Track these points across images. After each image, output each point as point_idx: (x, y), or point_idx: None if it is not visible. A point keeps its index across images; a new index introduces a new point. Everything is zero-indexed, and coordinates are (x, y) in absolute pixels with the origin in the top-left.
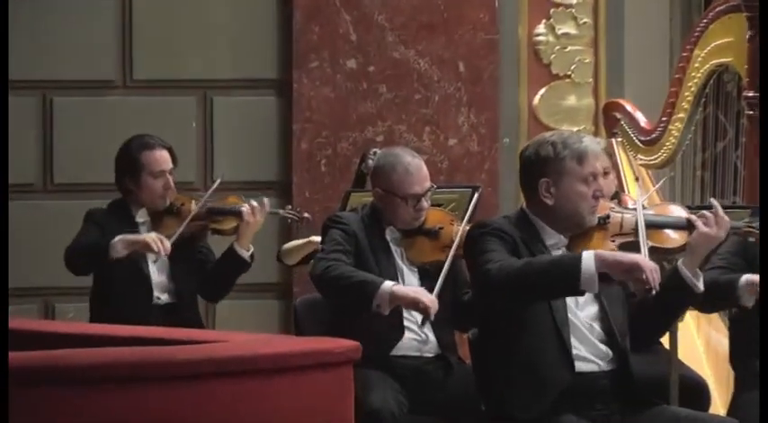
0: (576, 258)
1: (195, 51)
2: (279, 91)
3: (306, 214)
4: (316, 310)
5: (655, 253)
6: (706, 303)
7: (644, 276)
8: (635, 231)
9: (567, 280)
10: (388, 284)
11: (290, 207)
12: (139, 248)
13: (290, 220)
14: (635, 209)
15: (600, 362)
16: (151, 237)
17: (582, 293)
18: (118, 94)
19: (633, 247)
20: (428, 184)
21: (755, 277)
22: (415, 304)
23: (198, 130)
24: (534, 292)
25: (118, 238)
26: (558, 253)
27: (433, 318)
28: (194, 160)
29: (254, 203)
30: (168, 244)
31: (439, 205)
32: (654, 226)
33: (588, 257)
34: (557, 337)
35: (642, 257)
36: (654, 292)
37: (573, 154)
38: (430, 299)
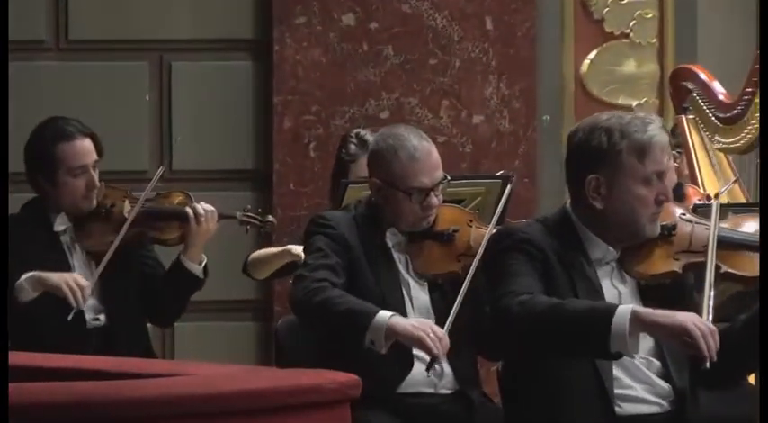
0: (609, 310)
1: (148, 4)
2: (255, 54)
3: (270, 218)
4: (302, 333)
5: (730, 281)
6: None
7: (694, 344)
8: (707, 249)
9: (595, 337)
10: (383, 316)
11: (248, 207)
12: (53, 293)
13: (248, 227)
14: (707, 208)
15: (662, 401)
16: (67, 281)
17: (616, 357)
18: (49, 57)
19: (703, 270)
20: (439, 173)
21: None
22: (419, 344)
23: (152, 105)
24: (558, 346)
25: (24, 277)
26: (605, 269)
27: (443, 360)
28: (148, 143)
29: (205, 207)
30: (89, 291)
31: (460, 201)
32: (732, 246)
33: (623, 313)
34: (594, 376)
35: (692, 317)
36: (707, 364)
37: (633, 146)
38: (437, 337)
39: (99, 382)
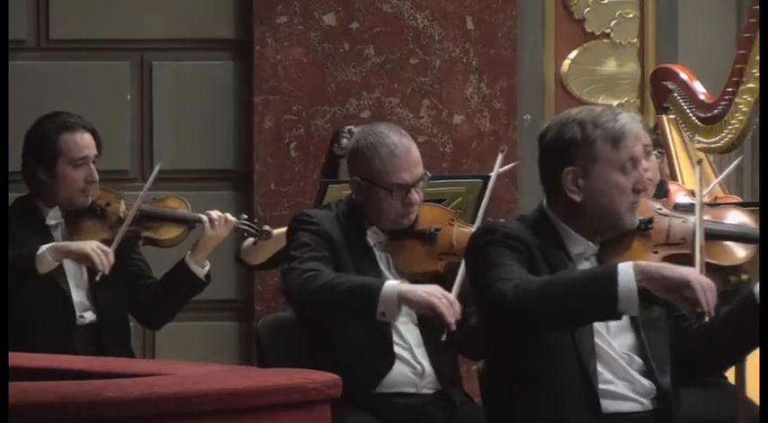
0: (610, 272)
1: (129, 4)
2: (236, 54)
3: (266, 227)
4: (283, 332)
5: (709, 271)
6: None
7: (695, 297)
8: (685, 242)
9: (601, 300)
10: (392, 284)
11: (245, 217)
12: (76, 260)
13: (245, 234)
14: (686, 206)
15: (643, 400)
16: (92, 247)
17: (620, 317)
18: (30, 57)
19: (681, 261)
20: (419, 170)
21: None
22: (432, 310)
23: (133, 104)
24: (560, 319)
25: (45, 247)
26: (585, 265)
27: (454, 327)
28: (129, 143)
29: (218, 213)
30: (112, 256)
31: (441, 200)
32: (711, 236)
33: (626, 270)
34: (580, 372)
35: (694, 272)
36: (707, 318)
37: (607, 135)
38: (449, 303)
39: (79, 382)
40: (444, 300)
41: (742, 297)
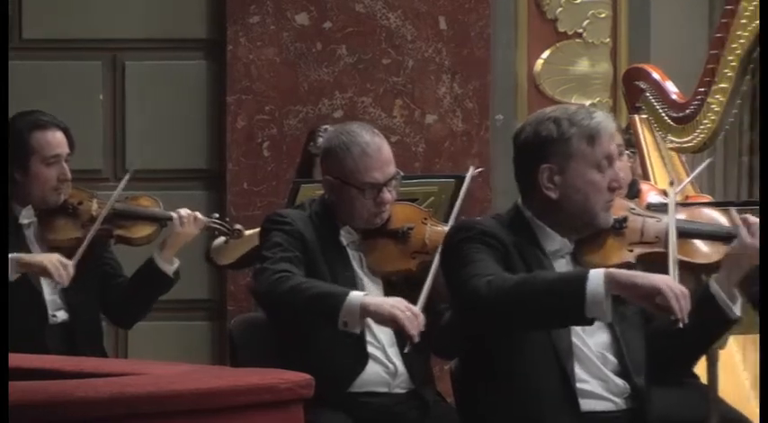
0: (581, 276)
1: (102, 4)
2: (209, 54)
3: (238, 226)
4: (256, 332)
5: (684, 269)
6: None
7: (668, 305)
8: (659, 240)
9: (569, 304)
10: (356, 295)
11: (217, 215)
12: (36, 274)
13: (216, 233)
14: (660, 206)
15: (616, 399)
16: (51, 260)
17: (590, 322)
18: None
19: (655, 260)
20: (392, 169)
21: None
22: (394, 323)
23: (106, 104)
24: (532, 319)
25: (9, 257)
26: (561, 263)
27: (417, 340)
28: (101, 142)
29: (188, 211)
30: (72, 269)
31: (413, 200)
32: (684, 234)
33: (596, 276)
34: (558, 370)
35: (666, 279)
36: (681, 324)
37: (582, 132)
38: (413, 315)
39: (51, 382)
40: (408, 312)
41: (700, 291)
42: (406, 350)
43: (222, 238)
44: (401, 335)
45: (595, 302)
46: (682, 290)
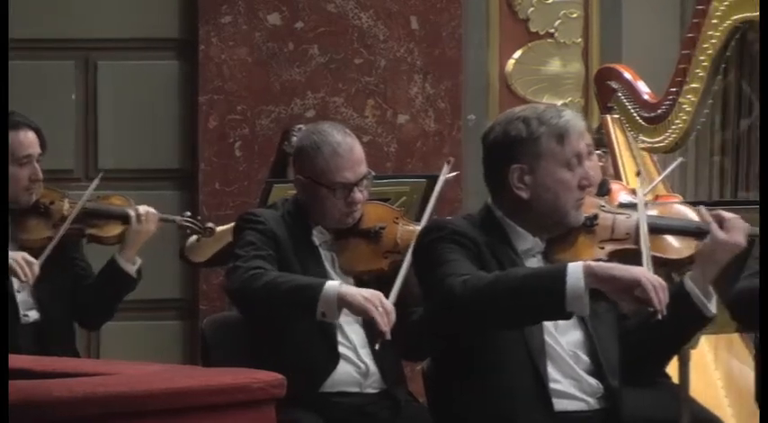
0: (559, 271)
1: (74, 3)
2: (181, 53)
3: (209, 224)
4: (228, 332)
5: (656, 265)
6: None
7: (647, 296)
8: (631, 237)
9: (550, 299)
10: (332, 285)
11: (188, 214)
12: None
13: (188, 231)
14: (630, 205)
15: (589, 399)
16: (16, 258)
17: (569, 317)
18: None
19: (628, 257)
20: (363, 169)
21: None
22: (367, 317)
23: (78, 104)
24: (509, 316)
25: None
26: (532, 262)
27: (389, 336)
28: (73, 143)
29: (145, 208)
30: (37, 268)
31: (385, 200)
32: (655, 230)
33: (575, 270)
34: (531, 369)
35: (644, 271)
36: (660, 316)
37: (552, 131)
38: (386, 311)
39: (23, 382)
40: (381, 308)
41: (674, 288)
42: (377, 347)
43: (195, 237)
44: (372, 330)
45: (576, 297)
46: (660, 281)
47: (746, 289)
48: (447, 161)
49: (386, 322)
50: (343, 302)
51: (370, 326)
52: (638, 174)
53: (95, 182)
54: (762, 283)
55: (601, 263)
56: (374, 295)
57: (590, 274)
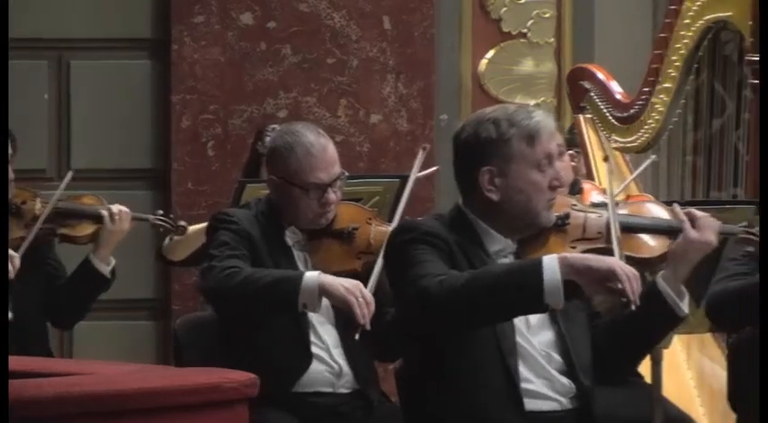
0: (535, 265)
1: (47, 3)
2: (154, 53)
3: (182, 222)
4: (201, 332)
5: (630, 264)
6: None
7: (620, 286)
8: (602, 236)
9: (528, 293)
10: (312, 276)
11: (161, 212)
12: None
13: (161, 229)
14: (602, 205)
15: (561, 399)
16: None
17: (546, 310)
18: None
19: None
20: (337, 169)
21: None
22: (348, 308)
23: (51, 104)
24: (487, 313)
25: None
26: (503, 262)
27: (369, 327)
28: (46, 142)
29: (118, 207)
30: (18, 261)
31: (358, 200)
32: (628, 229)
33: (551, 262)
34: (503, 369)
35: (618, 261)
36: (633, 307)
37: (522, 133)
38: (366, 302)
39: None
40: (361, 299)
41: (648, 287)
42: (356, 337)
43: (173, 237)
44: (345, 330)
45: (553, 289)
46: (633, 272)
47: (724, 291)
48: (422, 148)
49: (365, 313)
50: (323, 292)
51: (343, 326)
52: (605, 159)
53: (66, 180)
54: (762, 283)
55: (575, 254)
56: (355, 285)
57: (566, 265)
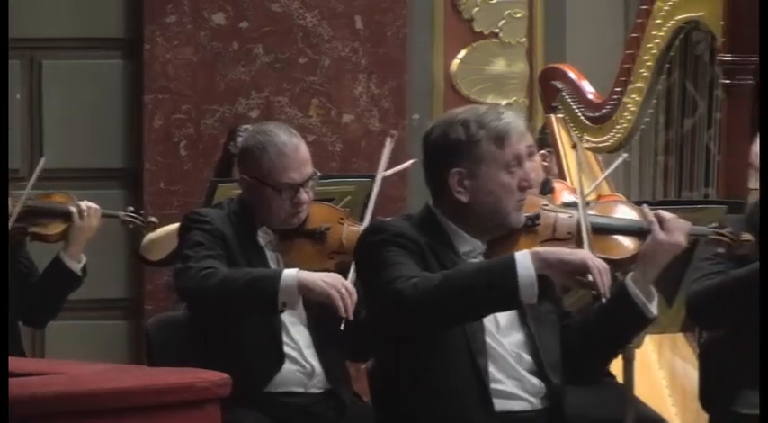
0: (508, 262)
1: (19, 2)
2: (126, 53)
3: (152, 218)
4: (173, 331)
5: None
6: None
7: (591, 279)
8: (572, 236)
9: (503, 291)
10: (290, 274)
11: (131, 209)
12: None
13: (131, 226)
14: (573, 205)
15: (532, 399)
16: None
17: (520, 305)
18: None
19: None
20: (309, 169)
21: None
22: (330, 302)
23: (23, 103)
24: (462, 312)
25: None
26: (475, 262)
27: (351, 317)
28: (18, 142)
29: (87, 204)
30: None
31: (330, 200)
32: (597, 230)
33: (524, 258)
34: (473, 369)
35: (589, 254)
36: (603, 299)
37: (491, 135)
38: (348, 293)
39: None
40: (343, 290)
41: (617, 288)
42: (341, 327)
43: (156, 232)
44: (327, 322)
45: (528, 284)
46: (604, 265)
47: (703, 290)
48: (390, 135)
49: (348, 304)
50: (303, 289)
51: (315, 326)
52: (573, 147)
53: (33, 178)
54: (762, 283)
55: (546, 247)
56: (335, 278)
57: (538, 259)
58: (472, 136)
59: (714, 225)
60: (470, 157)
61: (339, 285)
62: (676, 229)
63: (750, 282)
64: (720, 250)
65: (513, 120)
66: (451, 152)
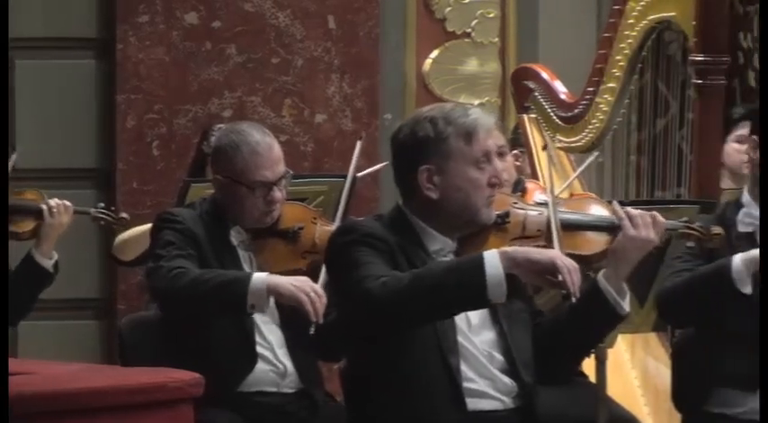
0: (476, 261)
1: None
2: (98, 53)
3: (123, 214)
4: (146, 331)
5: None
6: (681, 313)
7: (561, 279)
8: (542, 234)
9: (471, 290)
10: (260, 277)
11: (102, 205)
12: None
13: (102, 223)
14: (544, 204)
15: (504, 398)
16: None
17: (489, 305)
18: None
19: None
20: (282, 168)
21: (754, 252)
22: (299, 305)
23: None
24: (430, 311)
25: None
26: (444, 261)
27: (321, 320)
28: None
29: (57, 201)
30: None
31: (303, 199)
32: (567, 226)
33: (492, 257)
34: (444, 368)
35: (558, 253)
36: (573, 299)
37: (459, 131)
38: (317, 297)
39: None
40: (312, 293)
41: (588, 286)
42: (311, 331)
43: (129, 232)
44: (297, 324)
45: (496, 284)
46: (573, 264)
47: (671, 287)
48: (359, 137)
49: (318, 308)
50: (272, 292)
51: (287, 326)
52: (544, 147)
53: (11, 161)
54: (762, 283)
55: (515, 247)
56: (303, 282)
57: (507, 258)
58: (440, 132)
59: (684, 219)
60: (439, 154)
61: (308, 289)
62: (646, 225)
63: (717, 278)
64: (691, 244)
65: (481, 116)
66: (420, 149)
